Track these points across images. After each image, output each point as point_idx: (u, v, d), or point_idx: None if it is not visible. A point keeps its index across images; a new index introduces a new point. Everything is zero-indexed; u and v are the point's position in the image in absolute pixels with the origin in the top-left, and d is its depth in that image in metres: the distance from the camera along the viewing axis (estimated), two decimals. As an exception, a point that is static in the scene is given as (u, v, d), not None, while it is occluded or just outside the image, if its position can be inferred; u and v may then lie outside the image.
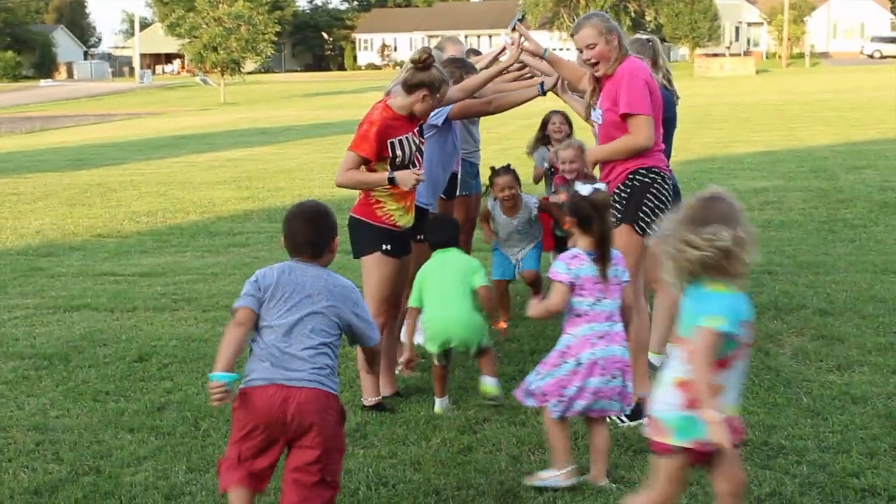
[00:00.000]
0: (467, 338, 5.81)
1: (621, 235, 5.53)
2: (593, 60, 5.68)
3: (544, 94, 6.63)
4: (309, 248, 4.25)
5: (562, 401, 4.71)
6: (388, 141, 5.80)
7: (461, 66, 6.68)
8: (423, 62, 5.77)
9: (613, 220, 5.52)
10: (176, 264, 10.74)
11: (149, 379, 6.71)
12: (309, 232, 4.25)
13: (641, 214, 5.64)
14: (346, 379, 6.51)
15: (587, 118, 6.03)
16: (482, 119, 7.70)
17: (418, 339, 6.34)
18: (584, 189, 4.74)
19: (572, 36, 5.86)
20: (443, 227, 6.11)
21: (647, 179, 5.67)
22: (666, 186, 5.73)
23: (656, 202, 5.66)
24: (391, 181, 5.75)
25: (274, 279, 4.16)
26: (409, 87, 5.81)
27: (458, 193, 7.39)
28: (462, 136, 7.40)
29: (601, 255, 4.69)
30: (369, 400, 5.94)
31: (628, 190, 5.66)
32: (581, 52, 5.74)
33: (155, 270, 10.43)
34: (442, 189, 6.76)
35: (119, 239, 12.56)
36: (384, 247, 5.88)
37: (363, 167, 5.86)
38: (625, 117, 5.59)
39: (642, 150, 5.62)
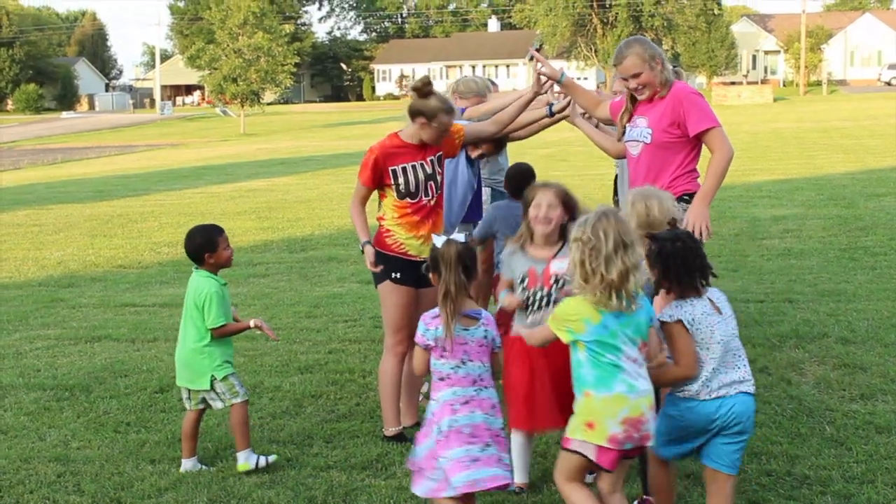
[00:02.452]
0: None
1: None
2: (640, 87, 5.72)
3: (552, 115, 6.60)
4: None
5: (433, 478, 4.30)
6: (390, 168, 5.84)
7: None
8: (420, 90, 5.80)
9: None
10: (196, 295, 10.75)
11: (170, 410, 6.72)
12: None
13: None
14: (367, 409, 6.50)
15: (619, 139, 6.03)
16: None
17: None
18: (437, 240, 4.44)
19: (615, 66, 5.87)
20: None
21: (687, 204, 5.66)
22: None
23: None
24: (362, 248, 5.87)
25: None
26: (409, 113, 5.87)
27: None
28: (491, 167, 7.40)
29: (444, 314, 4.31)
30: (390, 430, 5.92)
31: None
32: (626, 80, 5.76)
33: (175, 301, 10.44)
34: (455, 217, 6.75)
35: (140, 270, 12.61)
36: (394, 275, 5.89)
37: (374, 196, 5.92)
38: (701, 135, 5.67)
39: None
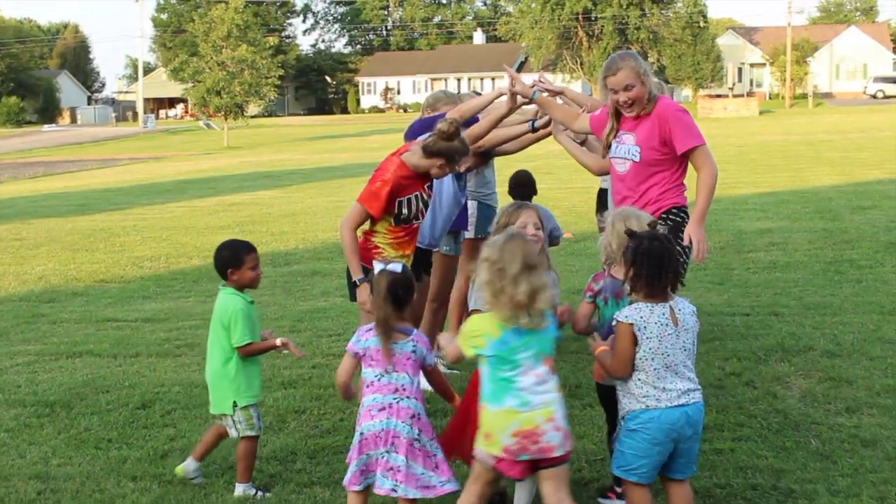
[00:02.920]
0: None
1: None
2: (629, 102, 5.74)
3: (534, 131, 6.67)
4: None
5: (354, 472, 4.62)
6: (398, 199, 5.87)
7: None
8: (449, 134, 5.80)
9: None
10: (179, 310, 10.74)
11: (151, 426, 6.70)
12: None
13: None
14: (351, 425, 6.46)
15: (604, 155, 6.04)
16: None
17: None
18: (377, 267, 4.72)
19: (605, 78, 5.86)
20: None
21: (678, 219, 5.70)
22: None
23: (686, 242, 5.65)
24: (354, 284, 5.89)
25: None
26: (430, 153, 5.84)
27: (476, 235, 7.39)
28: (477, 180, 7.44)
29: (382, 332, 4.59)
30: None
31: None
32: (616, 92, 5.76)
33: (158, 316, 10.42)
34: (444, 231, 6.78)
35: (122, 284, 12.57)
36: None
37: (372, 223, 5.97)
38: (688, 153, 5.71)
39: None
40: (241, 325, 5.37)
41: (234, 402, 5.42)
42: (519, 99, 6.41)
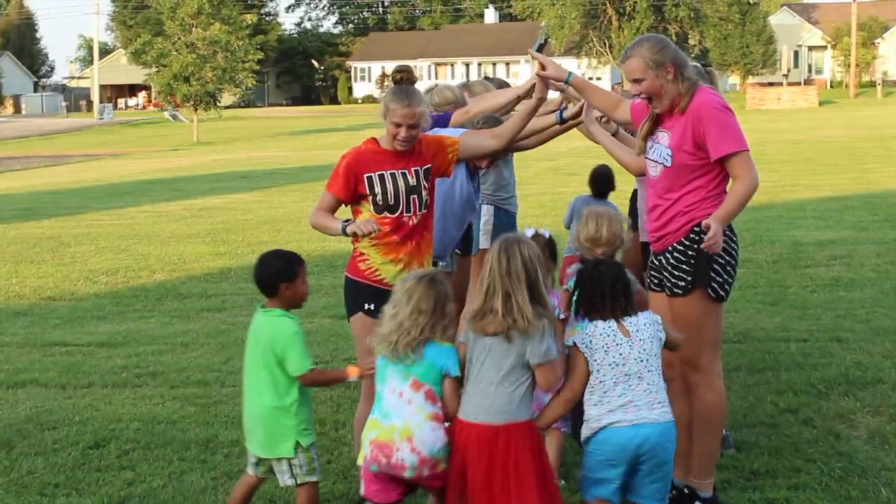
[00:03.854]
0: None
1: (694, 304, 5.52)
2: (643, 96, 5.66)
3: (563, 122, 6.56)
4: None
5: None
6: (365, 175, 5.85)
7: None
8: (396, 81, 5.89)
9: (681, 283, 5.48)
10: (139, 332, 10.74)
11: (106, 469, 6.68)
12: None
13: (714, 275, 5.53)
14: (341, 468, 6.49)
15: (640, 153, 5.93)
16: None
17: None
18: (527, 231, 5.45)
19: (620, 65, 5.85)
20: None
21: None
22: (735, 239, 5.66)
23: (727, 258, 5.58)
24: (344, 231, 5.79)
25: None
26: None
27: (480, 247, 7.35)
28: (493, 180, 7.40)
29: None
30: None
31: (695, 246, 5.51)
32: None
33: (114, 340, 10.42)
34: (452, 243, 6.76)
35: (73, 302, 12.58)
36: (367, 306, 5.87)
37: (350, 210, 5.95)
38: (724, 159, 5.52)
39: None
40: (301, 349, 5.28)
41: (298, 443, 5.30)
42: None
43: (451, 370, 4.98)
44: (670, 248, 5.61)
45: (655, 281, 5.81)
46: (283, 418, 5.29)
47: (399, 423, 4.91)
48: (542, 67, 6.24)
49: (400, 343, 4.97)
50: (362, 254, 5.92)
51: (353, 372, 5.43)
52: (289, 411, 5.29)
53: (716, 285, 5.54)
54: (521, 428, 4.81)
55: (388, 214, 5.88)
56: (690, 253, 5.54)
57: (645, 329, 4.95)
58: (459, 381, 4.97)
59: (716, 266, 5.53)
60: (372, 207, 5.88)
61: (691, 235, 5.54)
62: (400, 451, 4.88)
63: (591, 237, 5.77)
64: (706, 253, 5.43)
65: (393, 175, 5.89)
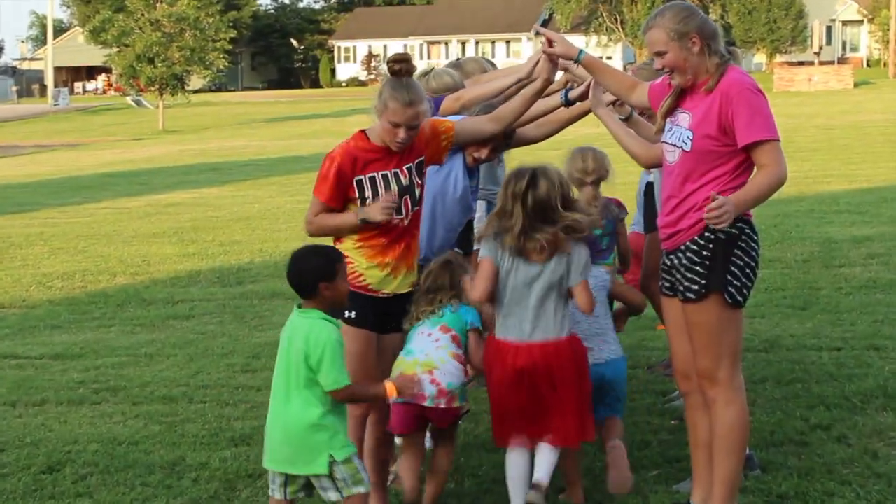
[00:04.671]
0: None
1: (709, 311, 5.49)
2: (668, 71, 5.61)
3: (569, 104, 6.54)
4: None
5: None
6: (355, 180, 5.85)
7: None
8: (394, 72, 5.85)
9: (694, 287, 5.45)
10: (98, 343, 10.73)
11: (60, 496, 6.67)
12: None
13: (731, 278, 5.49)
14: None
15: (658, 131, 5.84)
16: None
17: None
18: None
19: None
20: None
21: (733, 230, 5.45)
22: (755, 238, 5.60)
23: (747, 259, 5.54)
24: (364, 222, 5.81)
25: None
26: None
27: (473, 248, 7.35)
28: (486, 175, 7.39)
29: None
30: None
31: (710, 246, 5.49)
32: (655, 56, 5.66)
33: (70, 351, 10.41)
34: (446, 242, 6.74)
35: (24, 310, 12.57)
36: (348, 314, 5.87)
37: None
38: (750, 147, 5.45)
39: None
40: (338, 362, 5.21)
41: (331, 457, 5.23)
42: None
43: (476, 323, 6.07)
44: (683, 248, 5.56)
45: (668, 284, 5.77)
46: (315, 432, 5.22)
47: (422, 358, 5.87)
48: (549, 44, 6.14)
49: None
50: (346, 257, 5.91)
51: (391, 390, 5.41)
52: (321, 426, 5.22)
53: (733, 289, 5.49)
54: (563, 344, 5.79)
55: None
56: (705, 253, 5.49)
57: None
58: (480, 333, 6.05)
59: (733, 268, 5.48)
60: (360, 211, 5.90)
61: (706, 234, 5.48)
62: (420, 383, 5.73)
63: (581, 168, 6.73)
64: (722, 253, 5.43)
65: (385, 177, 5.89)
